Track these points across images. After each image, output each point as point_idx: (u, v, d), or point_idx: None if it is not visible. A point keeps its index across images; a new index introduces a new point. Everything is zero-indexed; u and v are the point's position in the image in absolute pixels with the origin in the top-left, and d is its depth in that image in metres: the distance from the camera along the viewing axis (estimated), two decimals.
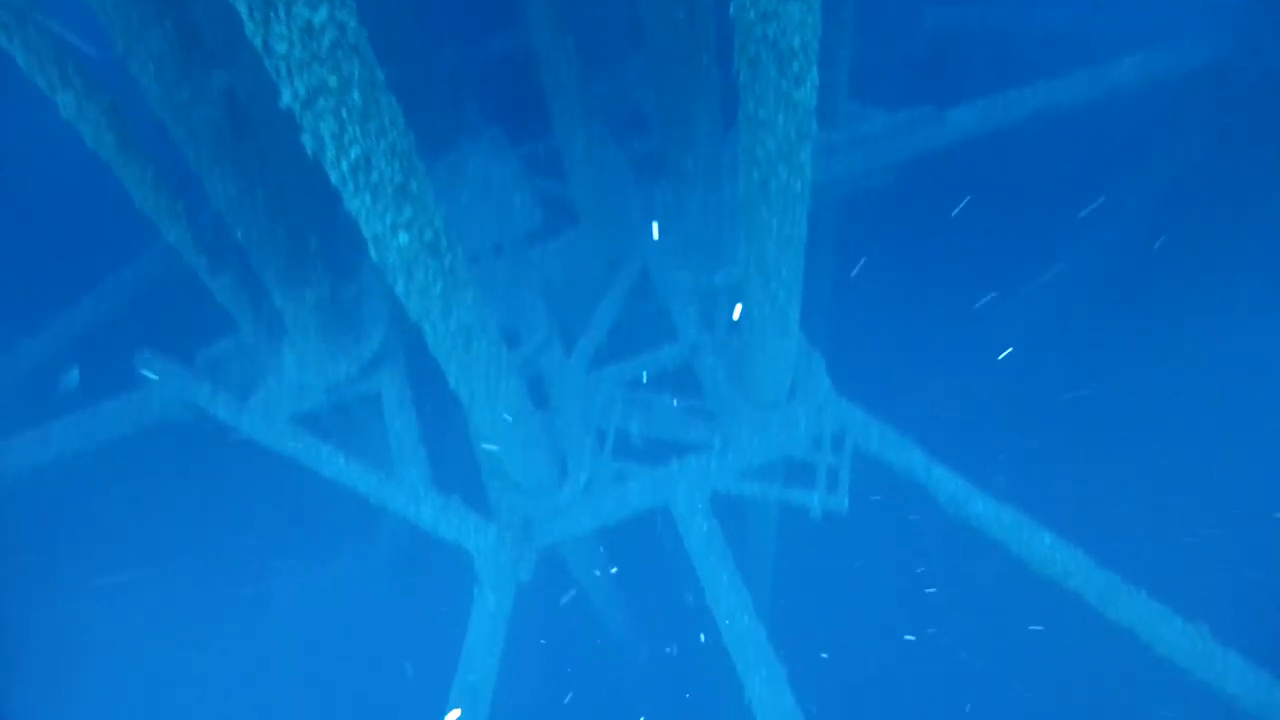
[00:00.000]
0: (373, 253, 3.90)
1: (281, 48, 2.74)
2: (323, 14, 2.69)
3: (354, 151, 3.19)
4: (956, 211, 11.06)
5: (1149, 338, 11.25)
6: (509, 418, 5.38)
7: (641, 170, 8.33)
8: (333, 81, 2.88)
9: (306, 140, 3.14)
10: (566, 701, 11.12)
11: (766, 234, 4.73)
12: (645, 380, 7.15)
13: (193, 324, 7.51)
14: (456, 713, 5.94)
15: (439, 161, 8.70)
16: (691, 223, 6.98)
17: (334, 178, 3.39)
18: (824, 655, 10.48)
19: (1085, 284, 11.72)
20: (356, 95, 2.99)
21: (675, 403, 6.84)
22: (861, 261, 10.65)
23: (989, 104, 8.88)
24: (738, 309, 6.62)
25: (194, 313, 7.18)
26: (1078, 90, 9.01)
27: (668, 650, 11.27)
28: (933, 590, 10.91)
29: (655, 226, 7.60)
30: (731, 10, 3.78)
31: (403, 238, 3.78)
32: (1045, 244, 11.49)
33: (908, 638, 11.24)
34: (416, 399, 7.02)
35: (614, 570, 8.96)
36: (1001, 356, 11.45)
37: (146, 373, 7.37)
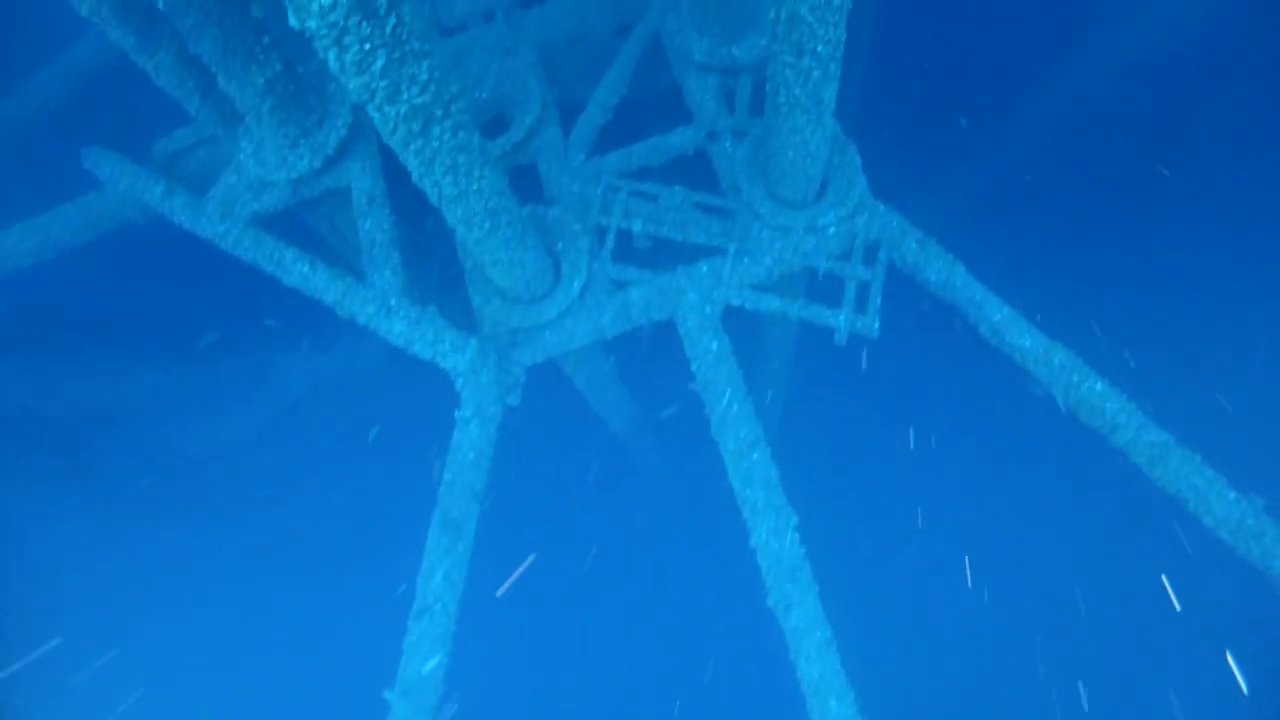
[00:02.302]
0: (290, 15, 3.08)
1: None
2: None
3: None
4: None
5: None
6: (485, 218, 4.63)
7: None
8: None
9: None
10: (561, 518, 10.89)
11: None
12: (653, 170, 6.33)
13: (149, 113, 6.76)
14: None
15: None
16: None
17: None
18: (840, 502, 10.06)
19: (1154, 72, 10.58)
20: None
21: (686, 197, 6.01)
22: (906, 43, 9.60)
23: None
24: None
25: (149, 99, 6.36)
26: None
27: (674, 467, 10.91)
28: (965, 433, 10.37)
29: None
30: None
31: None
32: (1121, 34, 10.32)
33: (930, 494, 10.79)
34: (391, 194, 6.23)
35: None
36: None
37: (96, 171, 6.69)
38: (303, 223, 7.01)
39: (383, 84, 3.43)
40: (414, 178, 4.20)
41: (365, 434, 10.75)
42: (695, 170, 6.28)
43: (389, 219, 6.18)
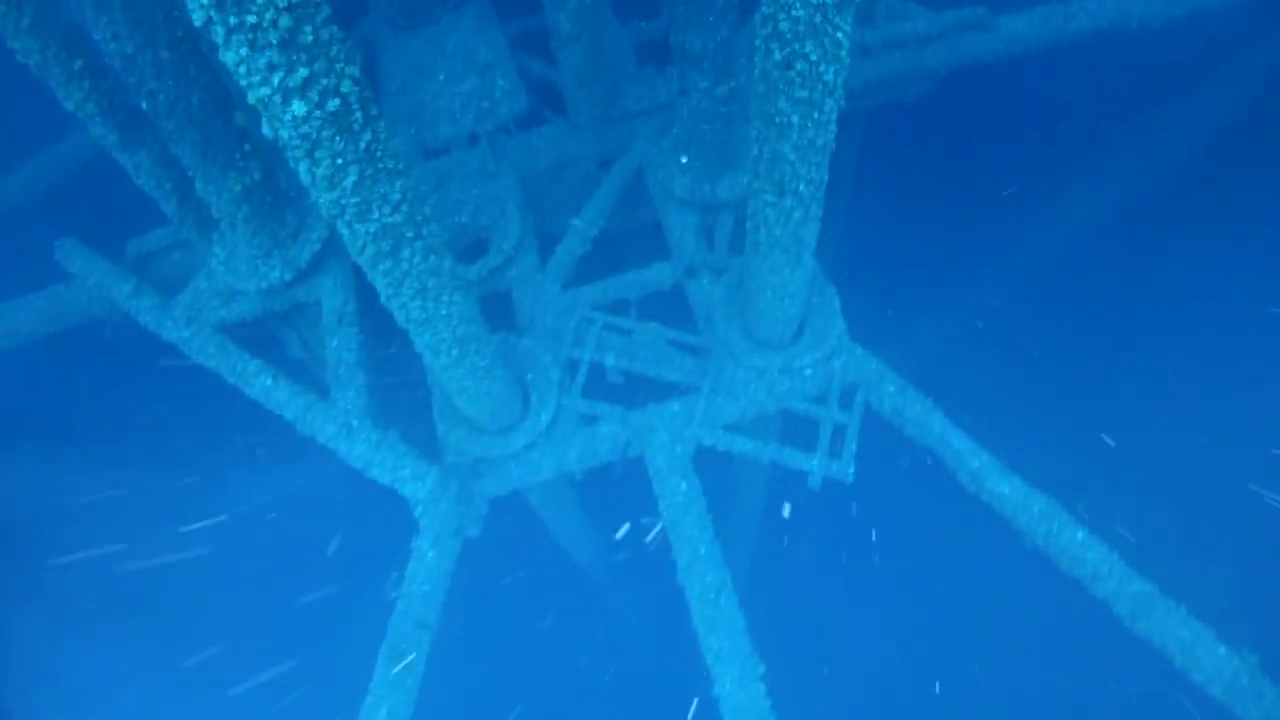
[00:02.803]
0: (264, 124, 3.01)
1: None
2: None
3: None
4: (999, 134, 10.13)
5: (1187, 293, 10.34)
6: (452, 344, 4.50)
7: (645, 55, 7.39)
8: None
9: None
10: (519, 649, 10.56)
11: (785, 134, 3.81)
12: (630, 304, 6.26)
13: (129, 210, 6.68)
14: None
15: (414, 33, 7.83)
16: (697, 119, 5.97)
17: (197, 17, 2.53)
18: (810, 653, 9.79)
19: (1133, 230, 10.70)
20: None
21: (661, 334, 5.93)
22: (887, 184, 9.73)
23: (1049, 13, 7.80)
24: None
25: (129, 197, 6.28)
26: (1158, 9, 7.86)
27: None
28: (942, 582, 10.16)
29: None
30: None
31: (297, 107, 2.90)
32: (1095, 181, 10.51)
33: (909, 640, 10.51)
34: (362, 312, 6.13)
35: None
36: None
37: (67, 264, 6.67)
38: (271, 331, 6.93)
39: (353, 200, 3.34)
40: (382, 299, 4.10)
41: (323, 550, 10.42)
42: (672, 306, 6.22)
43: (357, 338, 6.08)
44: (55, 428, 9.73)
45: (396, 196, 3.46)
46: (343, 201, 3.34)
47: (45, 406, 9.64)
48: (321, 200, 3.35)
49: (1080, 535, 5.24)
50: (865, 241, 9.80)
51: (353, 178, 3.24)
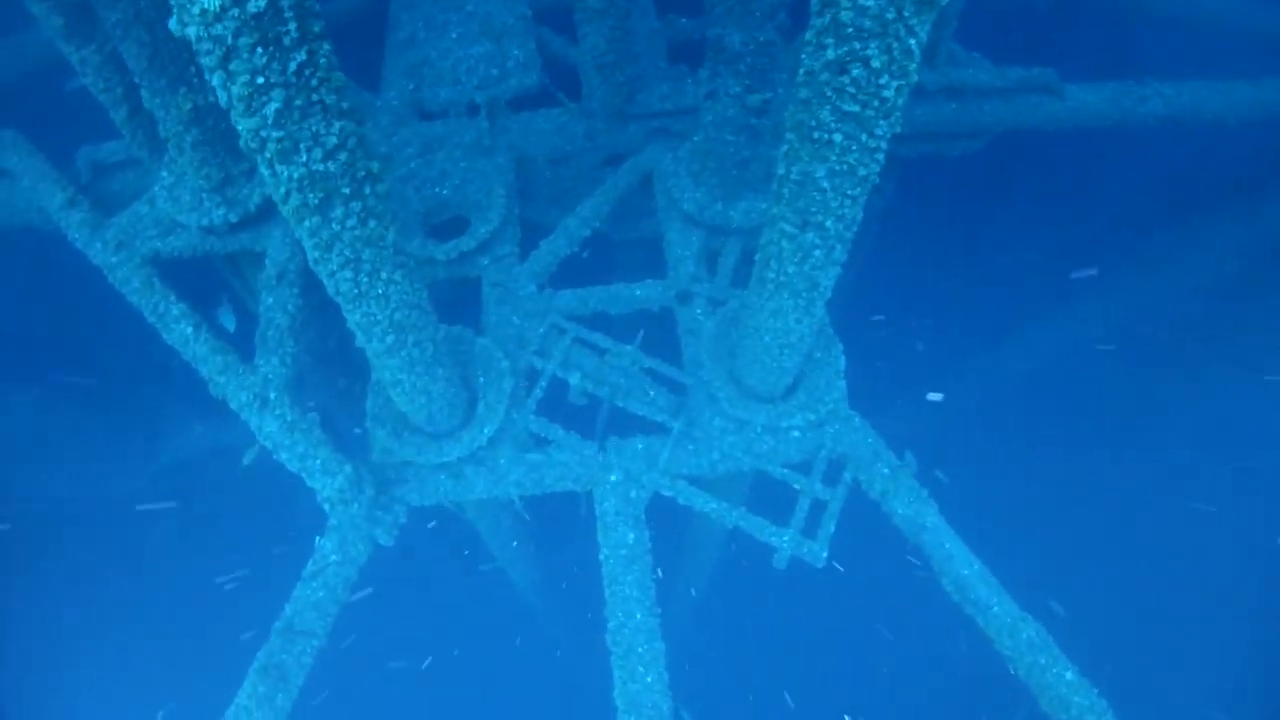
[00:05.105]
0: (173, 17, 2.38)
1: None
2: None
3: None
4: (1046, 206, 9.59)
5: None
6: (388, 330, 3.84)
7: (679, 54, 6.76)
8: None
9: None
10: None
11: (822, 154, 3.17)
12: (610, 320, 5.61)
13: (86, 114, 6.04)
14: None
15: None
16: (722, 128, 5.34)
17: None
18: None
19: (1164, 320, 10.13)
20: None
21: (637, 360, 5.25)
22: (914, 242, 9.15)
23: (1122, 91, 7.21)
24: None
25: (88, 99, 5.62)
26: (1234, 109, 7.32)
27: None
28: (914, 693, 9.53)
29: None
30: None
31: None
32: (1142, 267, 9.95)
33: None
34: (307, 273, 5.45)
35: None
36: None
37: (3, 159, 6.11)
38: None
39: (276, 134, 2.71)
40: (309, 260, 3.43)
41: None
42: (657, 332, 5.56)
43: (295, 301, 5.40)
44: None
45: (333, 141, 2.82)
46: (263, 133, 2.71)
47: None
48: (239, 127, 2.71)
49: (1069, 675, 4.60)
50: (883, 299, 9.19)
51: (276, 104, 2.60)
